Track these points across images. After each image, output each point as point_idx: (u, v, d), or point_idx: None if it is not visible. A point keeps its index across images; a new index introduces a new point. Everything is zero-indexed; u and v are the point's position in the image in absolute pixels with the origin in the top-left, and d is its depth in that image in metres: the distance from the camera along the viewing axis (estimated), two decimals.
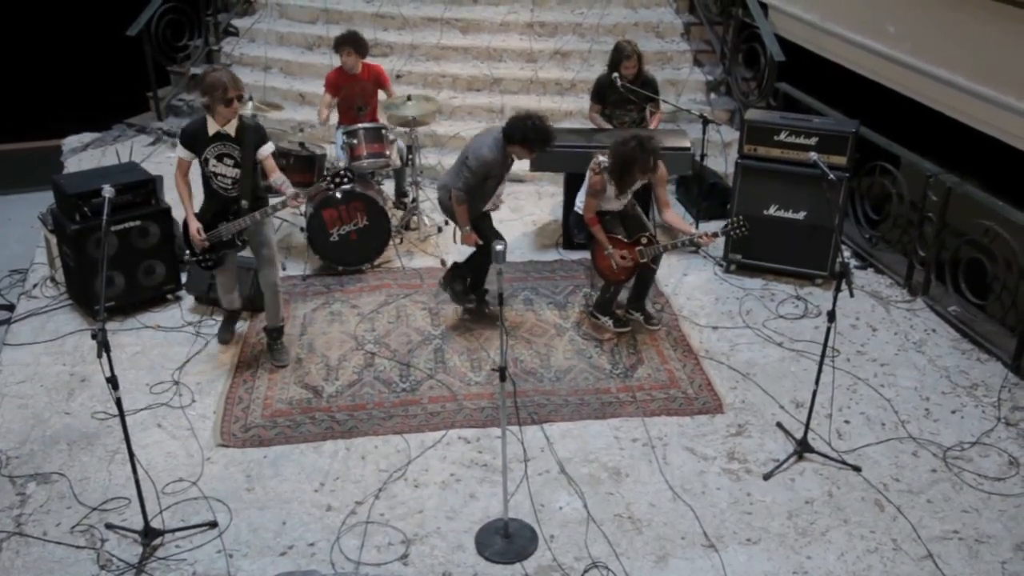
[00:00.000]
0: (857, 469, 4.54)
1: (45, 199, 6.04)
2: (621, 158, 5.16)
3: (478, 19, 8.88)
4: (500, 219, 6.56)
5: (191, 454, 4.64)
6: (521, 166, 7.02)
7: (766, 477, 4.49)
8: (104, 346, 3.66)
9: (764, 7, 7.95)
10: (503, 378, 3.86)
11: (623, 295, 5.76)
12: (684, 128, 7.39)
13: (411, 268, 6.41)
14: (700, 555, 4.05)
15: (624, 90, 6.51)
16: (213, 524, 4.17)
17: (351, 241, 6.22)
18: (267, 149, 4.94)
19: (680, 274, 6.39)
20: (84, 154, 8.38)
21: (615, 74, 6.47)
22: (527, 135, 5.18)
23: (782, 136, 5.99)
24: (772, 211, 6.12)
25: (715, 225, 6.71)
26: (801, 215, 6.07)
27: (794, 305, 6.00)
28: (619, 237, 5.47)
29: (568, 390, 5.14)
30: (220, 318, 5.65)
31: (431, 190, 6.96)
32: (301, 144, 6.44)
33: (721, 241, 6.03)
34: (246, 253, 5.25)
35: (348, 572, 3.94)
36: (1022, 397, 5.09)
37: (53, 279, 6.12)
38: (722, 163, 7.51)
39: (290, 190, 4.86)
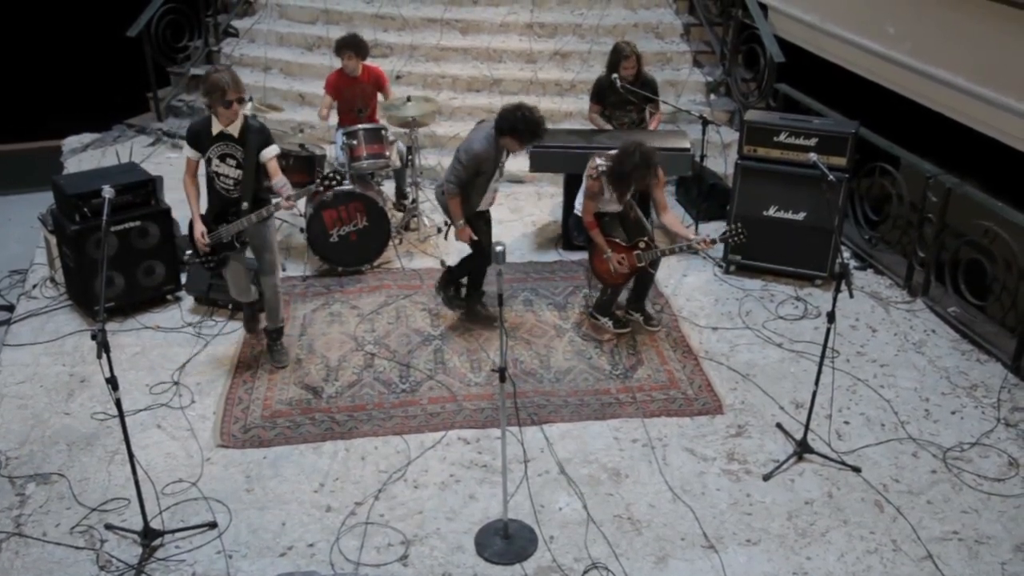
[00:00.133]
0: (857, 470, 4.54)
1: (45, 199, 6.03)
2: (622, 168, 5.16)
3: (478, 20, 8.89)
4: (500, 220, 6.57)
5: (191, 455, 4.63)
6: (521, 167, 7.04)
7: (766, 478, 4.49)
8: (104, 347, 3.66)
9: (764, 8, 7.96)
10: (503, 379, 3.86)
11: (623, 296, 5.76)
12: (684, 129, 7.39)
13: (411, 269, 6.42)
14: (700, 556, 4.05)
15: (624, 91, 6.51)
16: (213, 525, 4.17)
17: (351, 242, 6.22)
18: (270, 152, 4.90)
19: (680, 275, 6.39)
20: (84, 155, 8.39)
21: (615, 75, 6.47)
22: (516, 126, 5.13)
23: (782, 137, 5.99)
24: (772, 212, 6.12)
25: (715, 226, 6.74)
26: (801, 216, 6.07)
27: (794, 306, 6.00)
28: (617, 241, 5.47)
29: (568, 391, 5.14)
30: (222, 319, 5.65)
31: (431, 191, 6.97)
32: (301, 145, 6.44)
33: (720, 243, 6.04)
34: (249, 254, 5.23)
35: (348, 573, 3.94)
36: (1022, 398, 5.09)
37: (53, 279, 6.12)
38: (722, 164, 7.51)
39: (287, 192, 4.84)
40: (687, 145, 6.45)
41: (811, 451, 4.62)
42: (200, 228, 4.93)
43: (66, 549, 4.05)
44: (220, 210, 4.99)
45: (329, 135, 7.12)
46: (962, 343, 5.60)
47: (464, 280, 5.78)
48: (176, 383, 5.17)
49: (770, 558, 4.03)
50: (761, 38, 7.57)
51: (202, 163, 4.95)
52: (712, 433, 4.82)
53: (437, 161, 7.76)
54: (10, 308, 6.12)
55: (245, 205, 4.89)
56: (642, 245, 5.42)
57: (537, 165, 6.58)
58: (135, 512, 4.07)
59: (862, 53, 6.98)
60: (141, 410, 4.93)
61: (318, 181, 4.86)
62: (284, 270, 6.16)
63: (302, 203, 6.39)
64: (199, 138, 4.88)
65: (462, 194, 5.35)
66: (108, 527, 4.15)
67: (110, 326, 5.46)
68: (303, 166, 6.32)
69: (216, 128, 4.83)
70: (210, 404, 5.02)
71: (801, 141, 5.91)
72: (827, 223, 5.93)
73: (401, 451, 4.67)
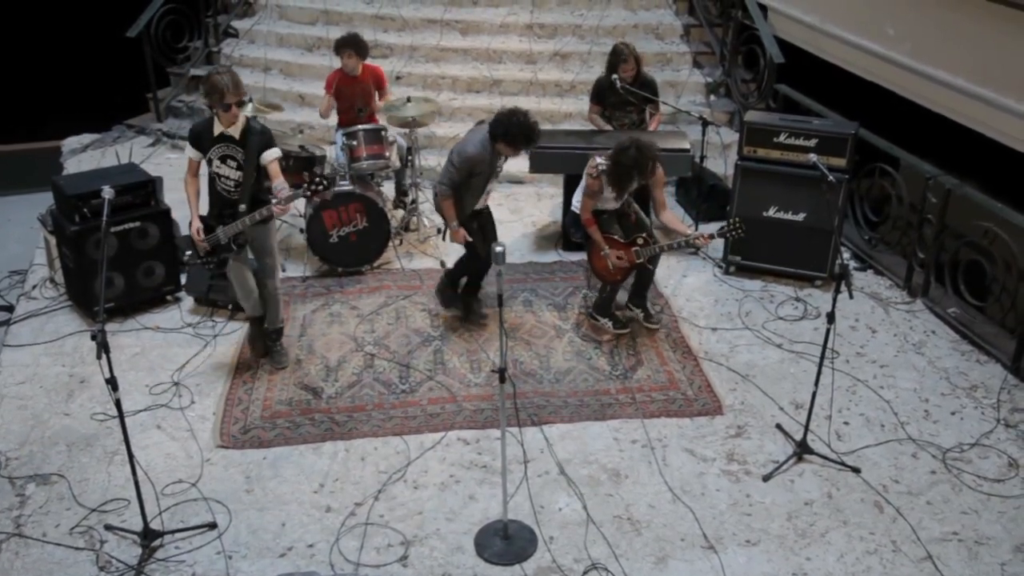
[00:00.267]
0: (856, 470, 4.54)
1: (45, 200, 6.03)
2: (620, 164, 5.16)
3: (478, 21, 8.89)
4: (500, 220, 6.56)
5: (190, 455, 4.63)
6: (521, 167, 7.04)
7: (765, 478, 4.49)
8: (103, 347, 3.66)
9: (764, 9, 7.96)
10: (502, 379, 3.86)
11: (622, 295, 5.76)
12: (684, 130, 7.39)
13: (410, 269, 6.42)
14: (699, 556, 4.05)
15: (623, 92, 6.52)
16: (212, 525, 4.17)
17: (351, 242, 6.23)
18: (270, 155, 4.87)
19: (679, 275, 6.39)
20: (84, 155, 8.38)
21: (614, 76, 6.48)
22: (509, 131, 5.12)
23: (782, 138, 5.99)
24: (771, 213, 6.13)
25: (715, 227, 6.73)
26: (800, 216, 6.07)
27: (793, 307, 6.00)
28: (615, 237, 5.47)
29: (567, 391, 5.14)
30: (222, 320, 5.65)
31: (431, 191, 6.96)
32: (301, 146, 6.44)
33: (720, 242, 6.05)
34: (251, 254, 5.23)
35: (347, 574, 3.94)
36: (1021, 399, 5.10)
37: (52, 280, 6.12)
38: (722, 165, 7.51)
39: (284, 196, 4.82)
40: (687, 146, 6.46)
41: (811, 452, 4.62)
42: (196, 225, 4.92)
43: (66, 550, 4.05)
44: (219, 211, 4.99)
45: (329, 135, 7.12)
46: (962, 344, 5.60)
47: (463, 281, 5.78)
48: (176, 384, 5.17)
49: (770, 559, 4.03)
50: (761, 39, 7.57)
51: (204, 164, 4.95)
52: (712, 434, 4.82)
53: (437, 162, 7.75)
54: (10, 309, 6.13)
55: (243, 207, 4.88)
56: (640, 241, 5.42)
57: (537, 166, 6.58)
58: (135, 513, 4.07)
59: (862, 54, 6.99)
60: (141, 411, 4.93)
61: (305, 186, 4.78)
62: (284, 271, 6.16)
63: (302, 203, 6.39)
64: (200, 139, 4.88)
65: (455, 196, 5.35)
66: (108, 528, 4.15)
67: (110, 327, 5.46)
68: (303, 167, 6.31)
69: (218, 129, 4.83)
70: (210, 405, 5.02)
71: (801, 142, 5.92)
72: (827, 224, 5.93)
73: (401, 452, 4.67)
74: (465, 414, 4.95)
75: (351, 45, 6.50)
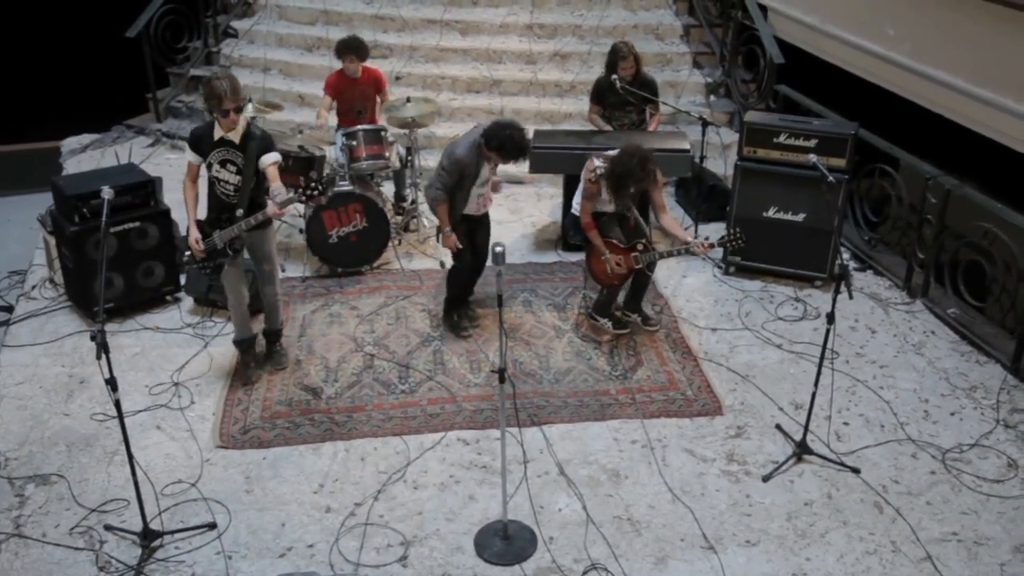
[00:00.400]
0: (856, 471, 4.54)
1: (44, 200, 6.03)
2: (620, 172, 5.16)
3: (477, 21, 8.89)
4: (500, 220, 6.57)
5: (190, 456, 4.63)
6: (521, 167, 7.02)
7: (765, 479, 4.49)
8: (103, 347, 3.66)
9: (763, 9, 7.96)
10: (502, 380, 3.86)
11: (621, 296, 5.76)
12: (683, 130, 7.40)
13: (410, 270, 6.42)
14: (699, 557, 4.05)
15: (623, 92, 6.52)
16: (212, 526, 4.17)
17: (350, 243, 6.22)
18: (269, 159, 4.85)
19: (679, 276, 6.39)
20: (83, 155, 8.38)
21: (614, 76, 6.48)
22: (503, 144, 5.21)
23: (781, 138, 5.99)
24: (771, 213, 6.13)
25: (714, 227, 6.74)
26: (800, 217, 6.07)
27: (793, 307, 6.00)
28: (615, 242, 5.47)
29: (567, 392, 5.14)
30: (221, 320, 5.65)
31: None
32: (300, 147, 6.44)
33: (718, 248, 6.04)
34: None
35: (347, 574, 3.94)
36: (1021, 399, 5.10)
37: (52, 280, 6.12)
38: (721, 165, 7.51)
39: (280, 200, 4.80)
40: (687, 146, 6.46)
41: (810, 452, 4.62)
42: (195, 234, 4.91)
43: (65, 550, 4.05)
44: (217, 215, 4.98)
45: (329, 136, 7.12)
46: (961, 344, 5.60)
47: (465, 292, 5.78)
48: (176, 384, 5.17)
49: (769, 559, 4.03)
50: (761, 39, 7.57)
51: (204, 168, 4.94)
52: (711, 434, 4.82)
53: (437, 162, 7.75)
54: (9, 309, 6.12)
55: (240, 212, 4.86)
56: (640, 247, 5.42)
57: (537, 166, 6.58)
58: (134, 513, 4.07)
59: (862, 54, 6.99)
60: (140, 411, 4.93)
61: (300, 190, 4.74)
62: (283, 271, 6.16)
63: (301, 204, 6.37)
64: (201, 143, 4.87)
65: (450, 199, 5.37)
66: (107, 528, 4.15)
67: (109, 327, 5.46)
68: (303, 167, 6.32)
69: (218, 134, 4.82)
70: (209, 405, 5.02)
71: (801, 142, 5.92)
72: (827, 224, 5.93)
73: (400, 452, 4.67)
74: (465, 414, 4.95)
75: (353, 49, 6.48)
